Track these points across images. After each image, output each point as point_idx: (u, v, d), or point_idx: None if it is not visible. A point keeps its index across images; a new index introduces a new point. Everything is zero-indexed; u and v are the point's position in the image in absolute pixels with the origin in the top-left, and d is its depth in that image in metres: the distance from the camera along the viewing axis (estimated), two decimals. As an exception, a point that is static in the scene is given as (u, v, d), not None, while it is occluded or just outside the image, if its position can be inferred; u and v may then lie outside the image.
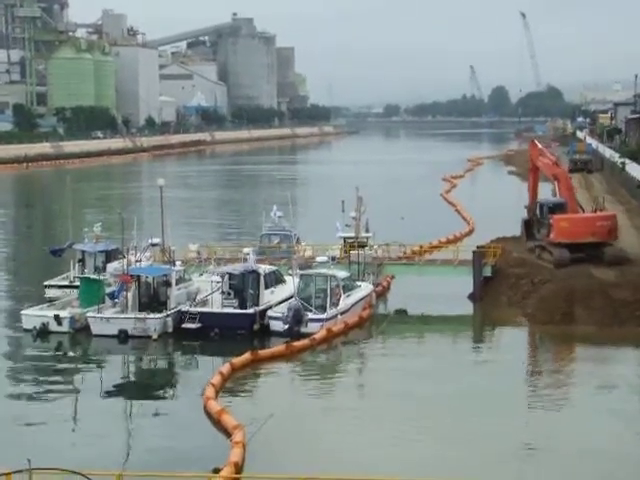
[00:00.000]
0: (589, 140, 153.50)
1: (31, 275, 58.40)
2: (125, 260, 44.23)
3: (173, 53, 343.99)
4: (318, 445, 28.34)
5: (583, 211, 53.30)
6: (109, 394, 34.43)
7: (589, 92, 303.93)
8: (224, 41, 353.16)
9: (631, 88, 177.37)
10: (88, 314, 41.95)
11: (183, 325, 41.87)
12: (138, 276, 42.97)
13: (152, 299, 43.22)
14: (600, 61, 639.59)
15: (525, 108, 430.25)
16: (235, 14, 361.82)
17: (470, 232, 71.80)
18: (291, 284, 44.12)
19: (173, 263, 44.62)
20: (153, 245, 47.42)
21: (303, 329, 41.13)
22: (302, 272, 44.67)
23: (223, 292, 43.05)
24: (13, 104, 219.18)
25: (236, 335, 41.19)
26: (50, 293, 47.46)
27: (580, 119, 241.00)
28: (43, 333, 41.70)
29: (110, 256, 49.18)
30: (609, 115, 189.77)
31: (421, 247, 54.81)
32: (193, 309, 42.41)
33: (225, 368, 35.08)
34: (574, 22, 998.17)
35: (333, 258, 47.39)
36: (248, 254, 46.44)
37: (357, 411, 31.78)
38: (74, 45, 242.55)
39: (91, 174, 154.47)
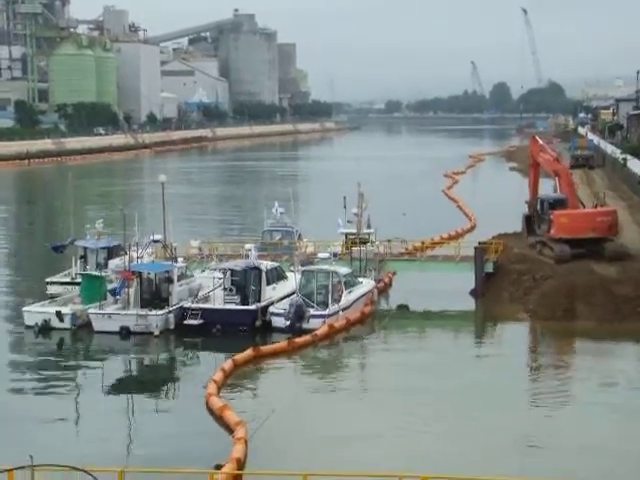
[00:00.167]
0: (591, 136, 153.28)
1: (33, 272, 58.43)
2: (127, 257, 44.23)
3: (174, 49, 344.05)
4: (320, 441, 28.37)
5: (583, 207, 53.34)
6: (111, 391, 34.47)
7: (591, 88, 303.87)
8: (225, 37, 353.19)
9: (633, 84, 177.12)
10: (90, 310, 41.97)
11: (185, 321, 41.88)
12: (140, 272, 42.99)
13: (154, 295, 43.23)
14: (601, 57, 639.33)
15: (526, 104, 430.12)
16: (236, 10, 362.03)
17: (472, 228, 71.83)
18: (293, 280, 44.16)
19: (175, 259, 44.67)
20: (155, 241, 47.39)
21: (305, 325, 41.16)
22: (304, 268, 44.68)
23: (225, 288, 43.06)
24: (15, 101, 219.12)
25: (238, 331, 41.19)
26: (52, 290, 47.50)
27: (582, 115, 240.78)
28: (45, 330, 41.70)
29: (112, 253, 49.22)
30: (611, 111, 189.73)
31: (423, 243, 54.85)
32: (195, 305, 42.42)
33: (227, 364, 35.10)
34: (574, 19, 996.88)
35: (335, 254, 47.43)
36: (250, 250, 46.47)
37: (359, 407, 31.82)
38: (75, 41, 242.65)
39: (93, 170, 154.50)
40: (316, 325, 40.99)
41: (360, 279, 46.38)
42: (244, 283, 43.17)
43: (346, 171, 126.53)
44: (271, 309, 42.49)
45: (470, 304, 47.39)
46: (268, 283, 43.94)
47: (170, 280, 43.18)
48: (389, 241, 52.62)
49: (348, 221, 52.15)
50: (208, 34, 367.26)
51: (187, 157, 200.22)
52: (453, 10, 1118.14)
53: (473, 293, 48.21)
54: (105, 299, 42.89)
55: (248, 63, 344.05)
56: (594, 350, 39.79)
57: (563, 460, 26.57)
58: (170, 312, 41.90)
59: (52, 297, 45.42)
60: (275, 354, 37.92)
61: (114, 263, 47.48)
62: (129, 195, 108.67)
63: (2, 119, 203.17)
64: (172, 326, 41.71)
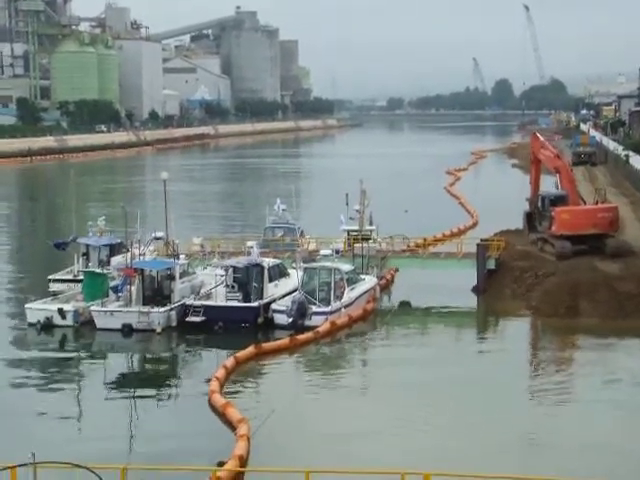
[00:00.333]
0: (593, 133, 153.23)
1: (35, 269, 58.46)
2: (129, 254, 44.22)
3: (176, 46, 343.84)
4: (322, 438, 28.36)
5: (584, 203, 53.28)
6: (113, 388, 34.49)
7: (593, 85, 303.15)
8: (227, 34, 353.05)
9: (635, 80, 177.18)
10: (92, 308, 41.97)
11: (187, 319, 41.88)
12: (142, 270, 42.98)
13: (156, 293, 43.24)
14: (603, 54, 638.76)
15: (529, 101, 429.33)
16: (238, 7, 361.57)
17: (474, 225, 71.74)
18: (295, 277, 44.13)
19: (177, 256, 44.63)
20: (157, 239, 47.42)
21: (307, 322, 41.13)
22: (306, 265, 44.63)
23: (227, 285, 43.05)
24: (17, 98, 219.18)
25: (240, 328, 41.19)
26: (54, 287, 47.46)
27: (584, 112, 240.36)
28: (47, 327, 41.70)
29: (114, 250, 49.21)
30: (613, 107, 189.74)
31: (425, 240, 54.77)
32: (197, 302, 42.41)
33: (229, 361, 35.09)
34: (576, 16, 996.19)
35: (337, 251, 47.35)
36: (252, 247, 46.41)
37: (361, 403, 31.84)
38: (77, 39, 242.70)
39: (95, 168, 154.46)
40: (318, 322, 40.97)
41: (362, 276, 46.35)
42: (246, 280, 43.15)
43: (348, 168, 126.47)
44: (273, 306, 42.45)
45: (472, 301, 47.37)
46: (270, 280, 43.91)
47: (172, 277, 43.16)
48: (391, 238, 52.65)
49: (350, 218, 52.07)
50: (210, 31, 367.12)
51: (189, 154, 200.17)
52: (454, 7, 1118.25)
53: (475, 290, 48.20)
54: (107, 296, 42.88)
55: (250, 60, 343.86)
56: (597, 347, 39.71)
57: (565, 457, 26.55)
58: (172, 309, 41.90)
59: (54, 294, 45.42)
60: (277, 351, 37.93)
61: (116, 260, 47.45)
62: (131, 192, 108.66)
63: (4, 116, 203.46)
64: (174, 323, 41.72)
